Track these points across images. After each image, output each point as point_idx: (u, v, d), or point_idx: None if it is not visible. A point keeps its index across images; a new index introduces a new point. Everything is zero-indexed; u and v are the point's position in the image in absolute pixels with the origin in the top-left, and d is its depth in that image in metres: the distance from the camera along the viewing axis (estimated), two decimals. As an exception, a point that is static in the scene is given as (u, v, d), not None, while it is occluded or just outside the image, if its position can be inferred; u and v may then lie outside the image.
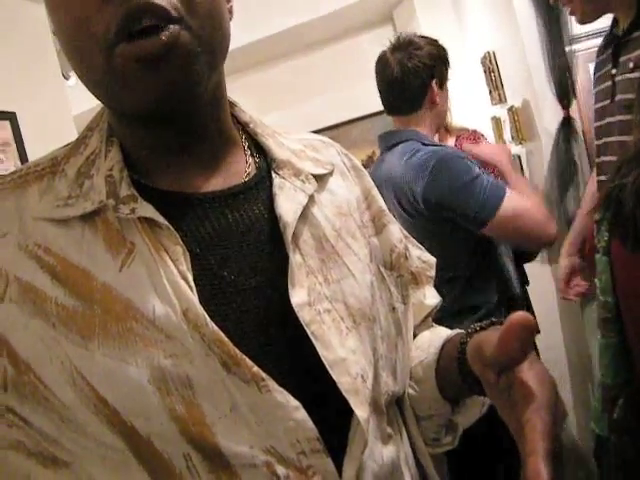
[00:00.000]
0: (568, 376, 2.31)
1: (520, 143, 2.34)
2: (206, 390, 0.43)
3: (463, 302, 1.34)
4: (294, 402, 0.44)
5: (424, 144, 1.36)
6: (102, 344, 0.42)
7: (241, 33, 3.14)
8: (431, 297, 0.68)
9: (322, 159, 0.59)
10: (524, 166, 2.40)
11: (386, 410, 0.54)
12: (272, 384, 0.44)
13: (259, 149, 0.56)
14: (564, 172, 1.84)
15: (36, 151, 1.92)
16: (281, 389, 0.44)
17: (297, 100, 3.77)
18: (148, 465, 0.43)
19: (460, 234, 1.35)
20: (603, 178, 1.36)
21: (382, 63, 1.43)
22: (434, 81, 1.38)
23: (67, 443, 0.42)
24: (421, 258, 0.69)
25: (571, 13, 1.34)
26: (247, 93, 3.68)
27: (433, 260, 0.71)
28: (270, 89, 3.76)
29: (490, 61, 2.52)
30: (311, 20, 3.26)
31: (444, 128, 2.28)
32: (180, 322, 0.42)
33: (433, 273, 0.70)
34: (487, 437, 1.03)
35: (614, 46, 1.28)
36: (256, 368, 0.43)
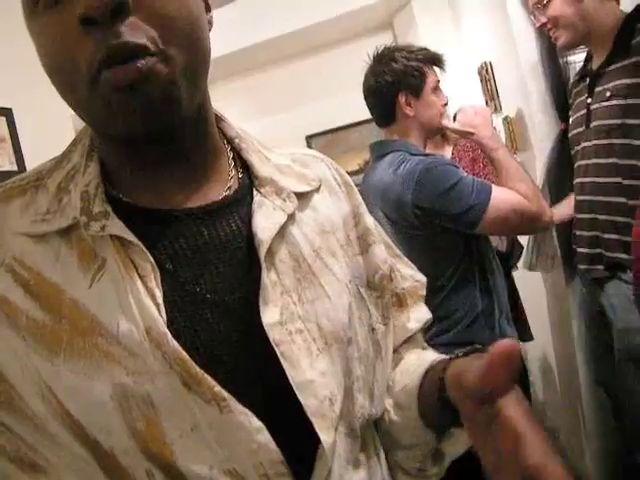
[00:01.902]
0: (558, 384, 2.32)
1: (515, 153, 2.36)
2: (167, 408, 0.42)
3: (446, 311, 1.35)
4: (257, 423, 0.43)
5: (411, 154, 1.38)
6: (68, 359, 0.43)
7: (242, 36, 3.15)
8: (415, 320, 0.66)
9: (309, 175, 0.58)
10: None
11: (361, 434, 0.52)
12: (234, 404, 0.43)
13: (244, 165, 0.56)
14: (560, 183, 1.87)
15: (32, 147, 1.92)
16: (244, 410, 0.43)
17: (296, 104, 3.78)
18: (113, 478, 0.43)
19: (446, 245, 1.36)
20: (582, 198, 1.47)
21: (364, 77, 1.49)
22: (401, 95, 1.40)
23: (43, 450, 0.43)
24: (413, 277, 0.68)
25: (555, 39, 1.49)
26: (246, 95, 3.71)
27: (424, 279, 0.69)
28: (270, 92, 3.77)
29: (487, 71, 2.54)
30: (311, 25, 3.28)
31: (441, 136, 2.29)
32: (142, 340, 0.43)
33: (423, 292, 0.69)
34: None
35: (590, 78, 1.42)
36: (218, 388, 0.43)
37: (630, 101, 1.27)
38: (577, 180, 1.48)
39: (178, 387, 0.42)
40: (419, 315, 0.67)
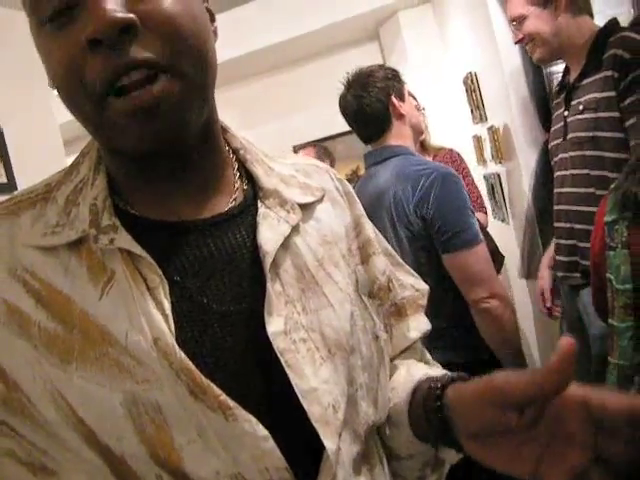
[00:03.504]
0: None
1: (500, 162, 2.39)
2: (175, 416, 0.43)
3: (445, 317, 1.37)
4: (262, 432, 0.44)
5: (417, 158, 1.44)
6: (79, 367, 0.44)
7: (228, 47, 3.17)
8: (415, 330, 0.66)
9: (313, 185, 0.59)
10: (503, 184, 2.46)
11: (365, 440, 0.53)
12: (239, 412, 0.44)
13: (248, 176, 0.56)
14: (545, 195, 1.91)
15: (21, 159, 1.92)
16: (249, 417, 0.44)
17: (283, 114, 3.81)
18: None
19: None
20: (560, 207, 1.53)
21: (342, 103, 1.52)
22: (393, 96, 1.47)
23: (55, 454, 0.44)
24: (414, 286, 0.69)
25: (530, 53, 1.55)
26: (234, 106, 3.72)
27: (425, 288, 0.70)
28: (256, 103, 3.79)
29: (472, 81, 2.58)
30: (299, 36, 3.31)
31: (420, 144, 2.32)
32: (150, 350, 0.44)
33: (424, 302, 0.69)
34: None
35: (566, 92, 1.49)
36: (223, 396, 0.43)
37: (600, 114, 1.33)
38: (556, 190, 1.55)
39: (185, 395, 0.43)
40: (419, 325, 0.67)
